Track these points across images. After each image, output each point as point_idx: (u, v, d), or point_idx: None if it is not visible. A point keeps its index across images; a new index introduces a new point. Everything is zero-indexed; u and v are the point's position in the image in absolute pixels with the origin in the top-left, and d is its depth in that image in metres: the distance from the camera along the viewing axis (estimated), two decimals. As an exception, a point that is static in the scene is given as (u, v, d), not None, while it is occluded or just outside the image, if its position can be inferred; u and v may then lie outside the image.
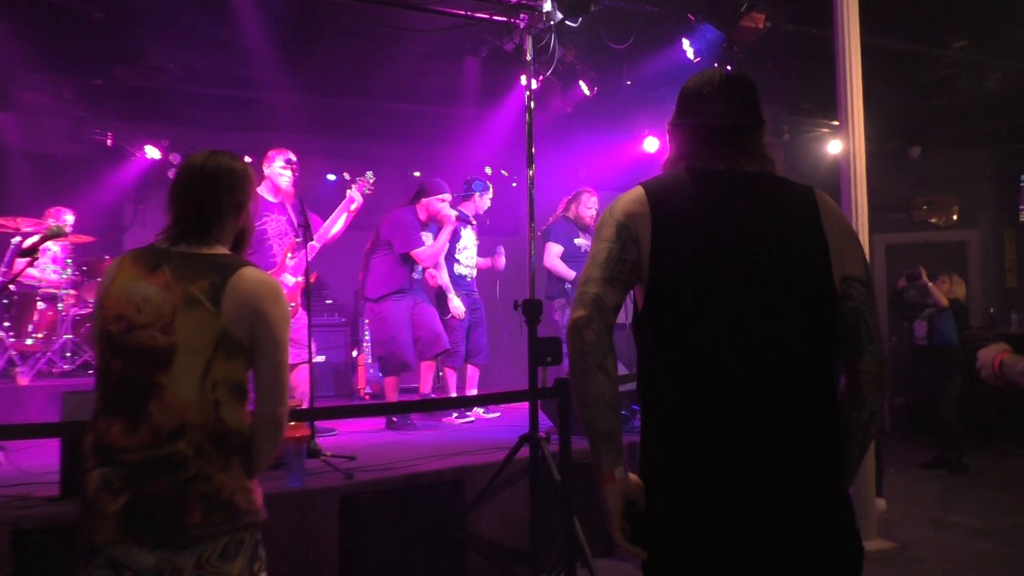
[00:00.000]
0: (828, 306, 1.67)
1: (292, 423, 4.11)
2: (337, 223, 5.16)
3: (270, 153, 5.12)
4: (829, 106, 5.68)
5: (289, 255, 4.99)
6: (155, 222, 7.44)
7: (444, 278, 5.93)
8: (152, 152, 7.67)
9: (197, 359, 1.89)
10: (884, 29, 6.07)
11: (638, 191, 1.74)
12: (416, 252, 5.66)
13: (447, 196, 5.83)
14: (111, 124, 7.48)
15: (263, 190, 5.04)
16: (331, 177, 8.66)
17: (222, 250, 2.04)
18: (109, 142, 7.46)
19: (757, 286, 1.63)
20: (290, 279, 4.95)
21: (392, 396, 5.71)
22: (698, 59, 5.89)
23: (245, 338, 1.94)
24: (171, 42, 6.35)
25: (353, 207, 5.22)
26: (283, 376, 2.00)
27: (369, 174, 5.33)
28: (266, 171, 5.07)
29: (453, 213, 5.80)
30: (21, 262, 5.78)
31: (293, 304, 4.94)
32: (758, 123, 1.81)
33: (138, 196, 8.09)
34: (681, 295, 1.63)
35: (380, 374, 6.18)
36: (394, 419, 5.59)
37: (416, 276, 5.85)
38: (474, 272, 6.22)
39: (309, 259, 4.64)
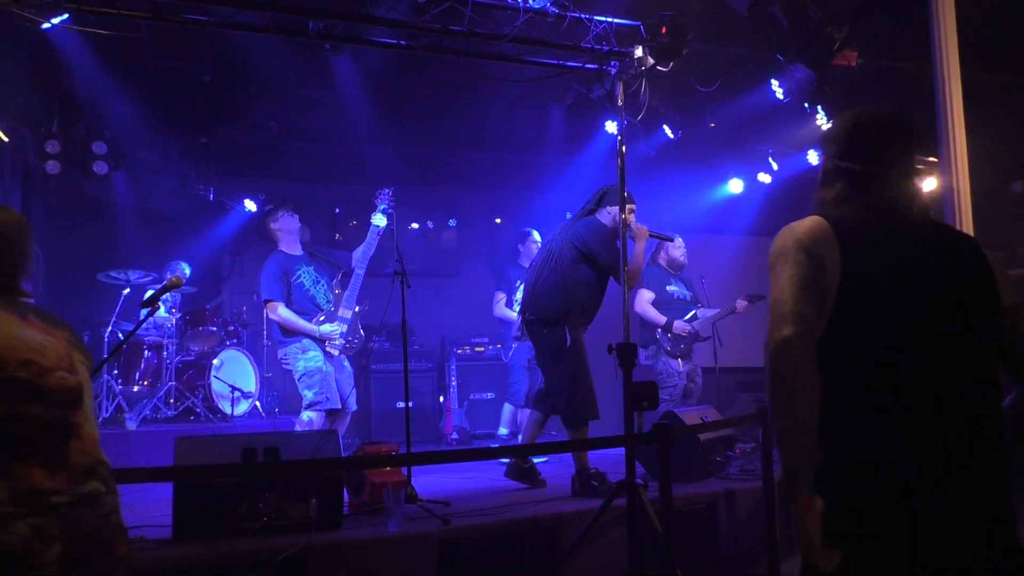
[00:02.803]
0: (998, 349, 1.71)
1: (388, 468, 4.17)
2: (371, 248, 5.36)
3: (275, 211, 5.48)
4: (923, 142, 5.52)
5: (336, 291, 5.38)
6: (252, 272, 7.78)
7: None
8: (249, 205, 8.01)
9: (91, 398, 2.04)
10: (981, 61, 5.90)
11: (819, 221, 1.72)
12: (626, 270, 4.50)
13: (634, 206, 4.76)
14: (213, 179, 7.85)
15: (286, 247, 5.39)
16: (415, 226, 8.87)
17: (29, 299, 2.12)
18: (210, 197, 7.83)
19: (947, 333, 1.65)
20: (348, 313, 5.29)
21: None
22: (787, 99, 5.83)
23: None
24: (270, 100, 6.66)
25: (380, 228, 5.35)
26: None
27: (387, 192, 5.42)
28: (272, 227, 5.42)
29: (645, 227, 4.79)
30: (144, 312, 6.18)
31: (358, 337, 5.38)
32: (917, 168, 1.83)
33: (236, 248, 8.44)
34: (874, 335, 1.63)
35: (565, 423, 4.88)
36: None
37: None
38: None
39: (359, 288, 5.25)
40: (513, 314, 6.36)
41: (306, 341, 5.22)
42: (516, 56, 4.28)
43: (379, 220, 5.31)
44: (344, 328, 5.29)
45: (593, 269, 4.73)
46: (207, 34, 5.20)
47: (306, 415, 5.18)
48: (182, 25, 4.15)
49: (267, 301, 5.25)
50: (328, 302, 5.38)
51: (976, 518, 1.59)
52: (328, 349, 5.24)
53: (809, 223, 1.73)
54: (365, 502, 4.06)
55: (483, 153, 8.25)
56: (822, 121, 6.11)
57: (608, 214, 4.79)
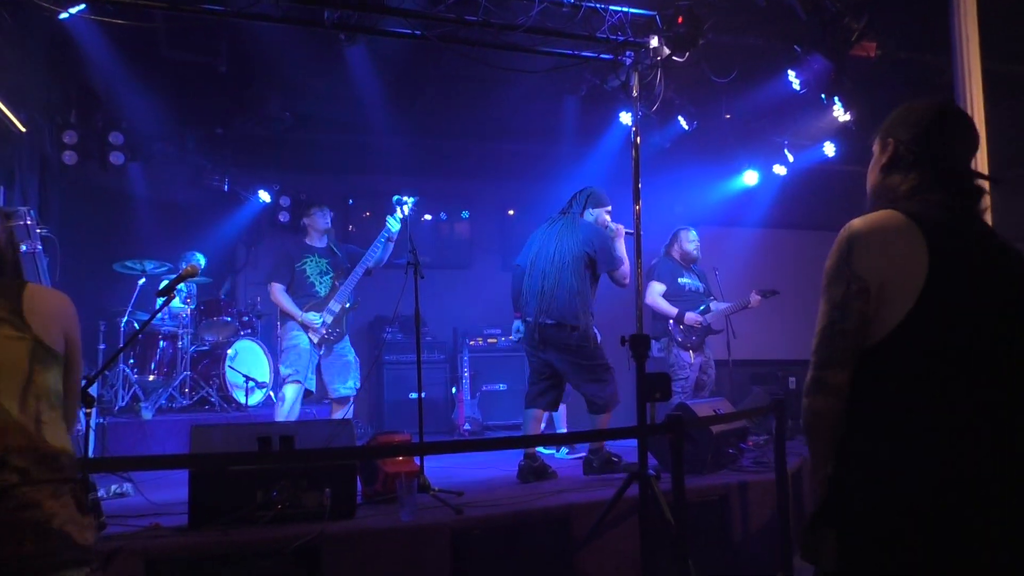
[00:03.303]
0: None
1: (401, 458, 4.18)
2: (376, 251, 5.52)
3: (308, 207, 5.84)
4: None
5: (336, 284, 5.60)
6: (265, 263, 7.82)
7: None
8: (264, 196, 8.05)
9: (14, 378, 1.84)
10: (1001, 53, 5.83)
11: (897, 217, 1.65)
12: (623, 270, 4.99)
13: (610, 207, 5.17)
14: (228, 170, 7.89)
15: (307, 239, 5.72)
16: (427, 217, 8.88)
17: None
18: (225, 187, 7.87)
19: (1007, 340, 1.60)
20: (336, 306, 5.52)
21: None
22: (804, 90, 5.78)
23: (60, 348, 1.95)
24: (285, 91, 6.67)
25: (391, 233, 5.50)
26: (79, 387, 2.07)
27: (408, 199, 5.49)
28: (305, 221, 5.79)
29: (621, 225, 5.11)
30: (160, 301, 6.30)
31: (339, 330, 5.58)
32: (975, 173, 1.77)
33: (250, 239, 8.48)
34: (948, 347, 1.58)
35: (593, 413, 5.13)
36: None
37: None
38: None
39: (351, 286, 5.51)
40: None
41: (292, 322, 5.53)
42: (531, 46, 4.26)
43: (392, 224, 5.47)
44: (329, 319, 5.52)
45: (594, 270, 5.01)
46: (223, 25, 5.22)
47: (285, 389, 5.44)
48: (198, 15, 4.16)
49: (269, 283, 5.60)
50: (325, 293, 5.60)
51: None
52: (309, 335, 5.48)
53: (880, 219, 1.65)
54: (378, 492, 4.08)
55: (497, 144, 8.24)
56: (839, 113, 6.06)
57: (593, 215, 5.09)
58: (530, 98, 7.07)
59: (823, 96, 5.98)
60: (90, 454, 5.27)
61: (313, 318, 5.47)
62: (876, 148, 1.83)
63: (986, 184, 1.75)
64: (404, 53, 6.03)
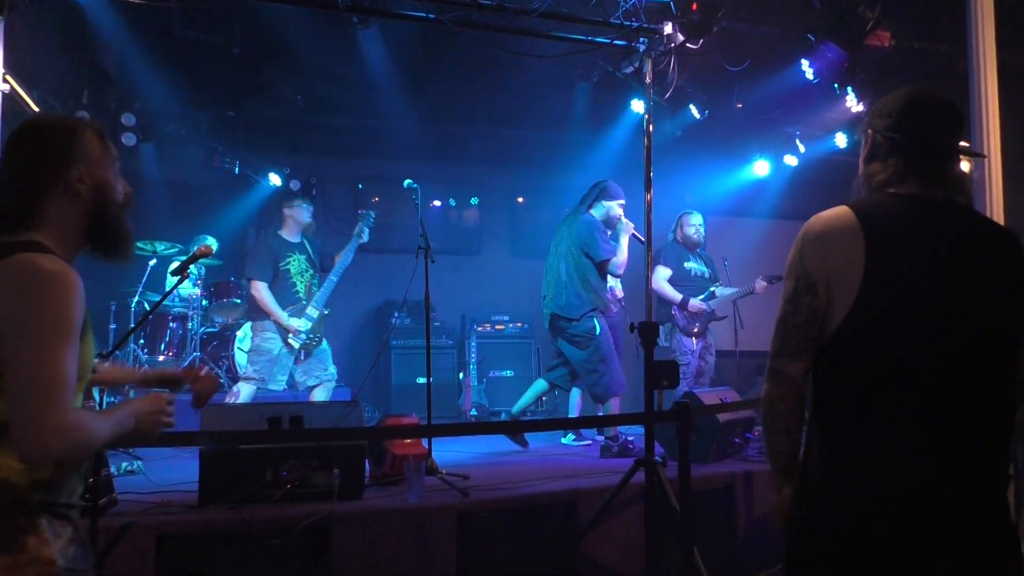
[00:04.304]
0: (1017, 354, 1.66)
1: (409, 440, 4.21)
2: (349, 257, 5.68)
3: (293, 198, 5.90)
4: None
5: (311, 286, 5.66)
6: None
7: None
8: (274, 179, 8.06)
9: None
10: (1017, 43, 5.78)
11: (843, 213, 1.68)
12: (614, 260, 5.45)
13: (624, 201, 5.65)
14: (239, 153, 7.89)
15: (284, 232, 5.72)
16: (436, 203, 8.88)
17: (37, 236, 1.57)
18: (236, 170, 7.87)
19: (962, 334, 1.61)
20: (315, 312, 5.59)
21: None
22: (817, 80, 5.75)
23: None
24: (297, 74, 6.67)
25: (365, 240, 5.70)
26: (32, 395, 1.42)
27: (368, 213, 5.81)
28: (286, 211, 5.75)
29: (630, 223, 5.55)
30: (173, 280, 6.38)
31: (319, 335, 5.63)
32: (960, 150, 1.77)
33: (260, 221, 8.49)
34: (891, 341, 1.61)
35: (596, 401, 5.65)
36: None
37: None
38: (618, 294, 6.13)
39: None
40: None
41: (269, 323, 5.52)
42: (544, 31, 4.25)
43: (363, 234, 5.67)
44: (309, 325, 5.58)
45: (593, 263, 5.45)
46: (236, 6, 5.22)
47: (241, 386, 5.50)
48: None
49: (250, 279, 5.58)
50: (304, 296, 5.65)
51: (972, 534, 1.56)
52: (289, 340, 5.52)
53: (829, 217, 1.70)
54: (386, 473, 4.12)
55: (508, 131, 8.22)
56: (852, 103, 6.02)
57: (603, 208, 5.56)
58: (542, 85, 7.06)
59: (836, 86, 5.95)
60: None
61: (298, 324, 5.50)
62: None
63: (967, 169, 1.76)
64: (417, 37, 6.03)
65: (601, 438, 5.87)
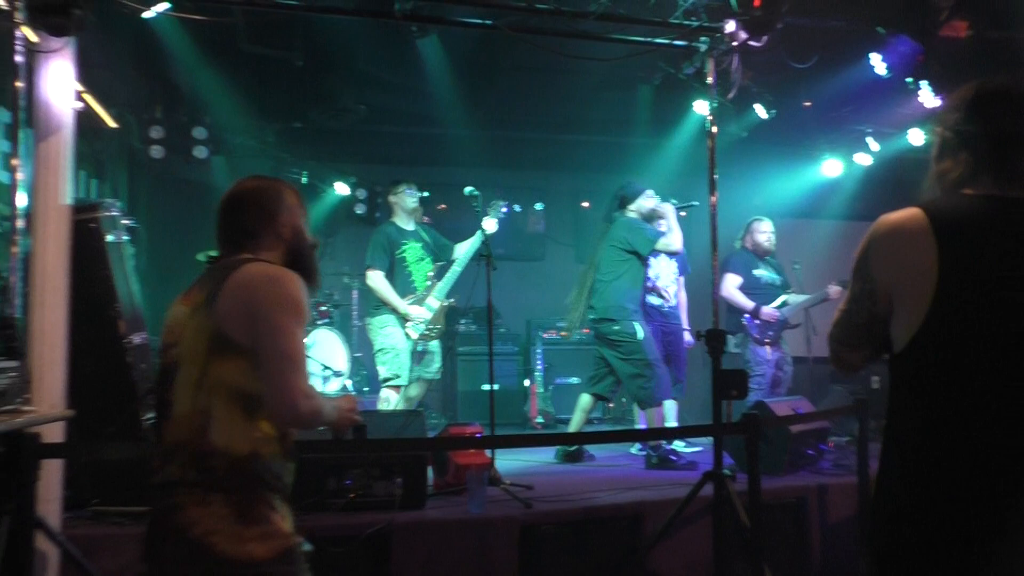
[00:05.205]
0: None
1: (472, 450, 4.19)
2: (472, 250, 5.37)
3: (397, 185, 5.63)
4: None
5: (431, 276, 5.45)
6: (343, 255, 7.96)
7: None
8: (340, 188, 8.18)
9: (193, 368, 1.78)
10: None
11: (915, 216, 1.58)
12: (664, 240, 5.33)
13: (650, 191, 5.58)
14: (306, 163, 8.05)
15: (398, 220, 5.58)
16: (503, 208, 8.86)
17: (252, 257, 1.95)
18: (303, 180, 8.03)
19: None
20: (435, 303, 5.38)
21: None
22: (888, 75, 5.52)
23: (242, 336, 1.77)
24: (359, 84, 6.76)
25: (489, 232, 5.34)
26: (285, 367, 1.76)
27: (498, 201, 5.53)
28: (391, 199, 5.62)
29: (667, 205, 5.46)
30: None
31: (438, 327, 5.42)
32: None
33: (327, 230, 8.63)
34: (965, 347, 1.52)
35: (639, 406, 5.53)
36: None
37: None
38: (671, 302, 5.86)
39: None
40: None
41: (389, 316, 5.35)
42: (602, 34, 4.18)
43: (489, 225, 5.36)
44: (430, 316, 5.39)
45: (637, 262, 5.36)
46: (298, 19, 5.30)
47: (383, 393, 5.38)
48: (273, 10, 4.23)
49: (367, 267, 5.45)
50: (423, 285, 5.46)
51: None
52: (407, 330, 5.33)
53: (899, 220, 1.60)
54: (449, 483, 4.10)
55: (570, 135, 8.17)
56: (927, 98, 5.76)
57: (633, 211, 5.49)
58: (603, 88, 6.98)
59: (910, 81, 5.70)
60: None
61: (417, 313, 5.32)
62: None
63: None
64: (476, 44, 6.03)
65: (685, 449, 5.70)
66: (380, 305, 5.40)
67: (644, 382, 5.20)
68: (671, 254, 5.53)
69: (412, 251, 5.48)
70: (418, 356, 5.43)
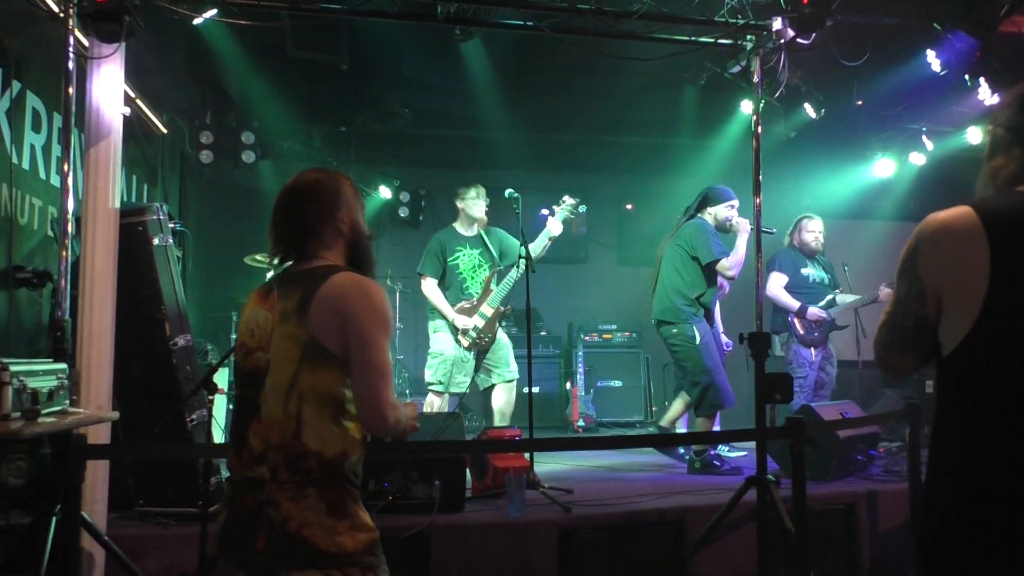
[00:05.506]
0: None
1: (512, 453, 4.17)
2: (536, 249, 5.23)
3: (464, 189, 5.52)
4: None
5: (494, 282, 5.33)
6: (386, 257, 8.00)
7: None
8: (384, 192, 8.24)
9: (284, 375, 1.85)
10: None
11: (964, 214, 1.53)
12: (724, 261, 5.10)
13: (735, 202, 5.37)
14: (351, 167, 8.12)
15: (458, 225, 5.49)
16: (545, 212, 8.83)
17: (326, 261, 1.99)
18: (348, 184, 8.10)
19: None
20: (489, 311, 5.27)
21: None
22: (944, 72, 5.35)
23: (335, 346, 1.85)
24: (404, 88, 6.80)
25: (554, 234, 5.31)
26: (376, 379, 1.85)
27: (569, 200, 5.39)
28: (458, 204, 5.49)
29: (747, 220, 5.14)
30: None
31: (490, 335, 5.30)
32: None
33: (372, 233, 8.71)
34: (1019, 346, 1.46)
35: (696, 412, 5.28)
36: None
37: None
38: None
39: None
40: None
41: (442, 322, 5.31)
42: (645, 33, 4.13)
43: (554, 227, 5.30)
44: (481, 323, 5.27)
45: (700, 267, 5.20)
46: (343, 23, 5.34)
47: (428, 397, 5.33)
48: (317, 14, 4.28)
49: (419, 275, 5.43)
50: (477, 292, 5.35)
51: None
52: (459, 338, 5.27)
53: (948, 218, 1.54)
54: (488, 486, 4.09)
55: (614, 137, 8.10)
56: (985, 95, 5.57)
57: (710, 215, 5.33)
58: (647, 89, 6.91)
59: (967, 78, 5.51)
60: (224, 439, 5.59)
61: (464, 324, 5.22)
62: None
63: None
64: (519, 47, 6.01)
65: (729, 453, 5.57)
66: (435, 310, 5.38)
67: (700, 389, 5.07)
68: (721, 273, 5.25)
69: (467, 258, 5.40)
70: (491, 360, 5.33)
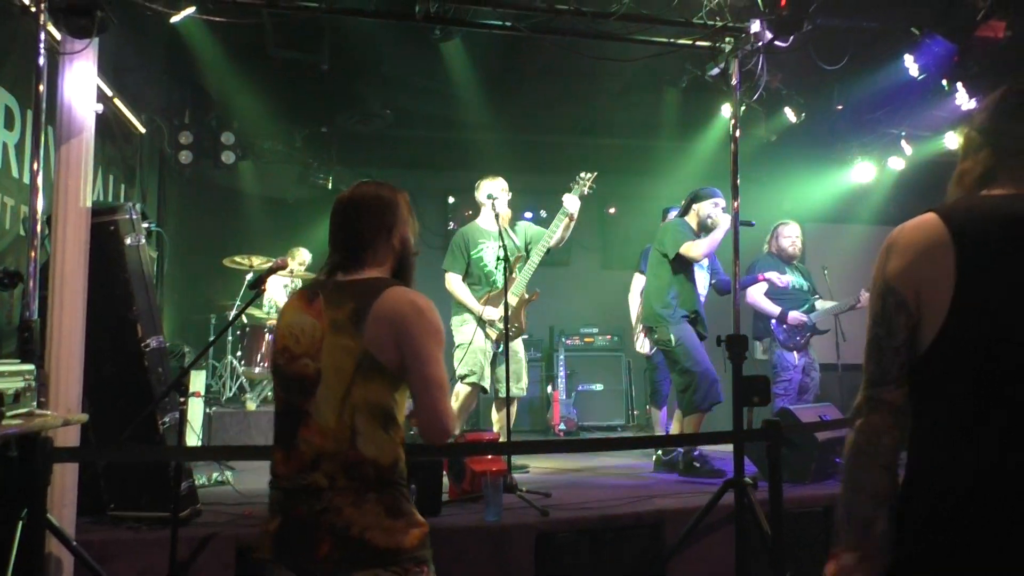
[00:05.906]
0: None
1: (489, 456, 4.15)
2: (555, 233, 5.23)
3: (482, 183, 5.45)
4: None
5: (518, 270, 5.27)
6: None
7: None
8: (366, 193, 8.20)
9: (338, 385, 1.89)
10: None
11: (930, 222, 1.51)
12: (689, 243, 5.08)
13: (720, 200, 5.29)
14: (332, 168, 8.08)
15: (480, 220, 5.44)
16: (528, 214, 8.83)
17: (375, 274, 2.04)
18: (329, 185, 8.06)
19: None
20: (514, 299, 5.16)
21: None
22: (923, 76, 5.38)
23: (388, 361, 1.90)
24: (385, 88, 6.77)
25: (571, 211, 5.24)
26: (437, 392, 1.95)
27: (585, 174, 5.35)
28: (479, 200, 5.42)
29: (728, 216, 5.02)
30: (274, 293, 6.54)
31: (516, 325, 5.25)
32: None
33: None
34: (985, 358, 1.44)
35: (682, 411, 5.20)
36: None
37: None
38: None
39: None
40: None
41: (468, 315, 5.26)
42: (624, 35, 4.12)
43: (570, 203, 5.21)
44: (508, 312, 5.07)
45: (673, 266, 5.16)
46: (325, 22, 5.30)
47: (458, 387, 5.16)
48: (295, 12, 4.24)
49: (444, 271, 5.37)
50: (502, 284, 5.19)
51: None
52: (487, 331, 5.22)
53: (913, 226, 1.54)
54: (466, 490, 4.06)
55: (595, 139, 8.11)
56: (963, 100, 5.62)
57: (695, 211, 5.32)
58: (629, 91, 6.92)
59: (945, 82, 5.57)
60: (198, 442, 5.54)
61: (490, 315, 5.16)
62: None
63: None
64: (500, 48, 6.00)
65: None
66: (460, 304, 5.32)
67: (684, 389, 5.05)
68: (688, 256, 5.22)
69: (490, 250, 5.32)
70: (511, 369, 5.12)
